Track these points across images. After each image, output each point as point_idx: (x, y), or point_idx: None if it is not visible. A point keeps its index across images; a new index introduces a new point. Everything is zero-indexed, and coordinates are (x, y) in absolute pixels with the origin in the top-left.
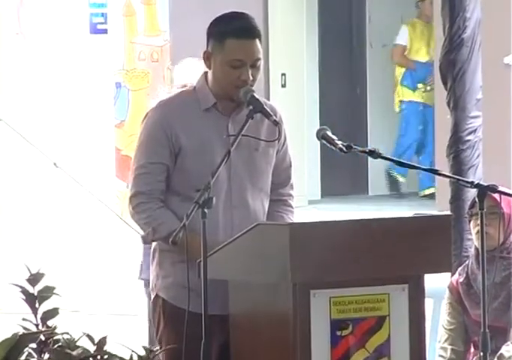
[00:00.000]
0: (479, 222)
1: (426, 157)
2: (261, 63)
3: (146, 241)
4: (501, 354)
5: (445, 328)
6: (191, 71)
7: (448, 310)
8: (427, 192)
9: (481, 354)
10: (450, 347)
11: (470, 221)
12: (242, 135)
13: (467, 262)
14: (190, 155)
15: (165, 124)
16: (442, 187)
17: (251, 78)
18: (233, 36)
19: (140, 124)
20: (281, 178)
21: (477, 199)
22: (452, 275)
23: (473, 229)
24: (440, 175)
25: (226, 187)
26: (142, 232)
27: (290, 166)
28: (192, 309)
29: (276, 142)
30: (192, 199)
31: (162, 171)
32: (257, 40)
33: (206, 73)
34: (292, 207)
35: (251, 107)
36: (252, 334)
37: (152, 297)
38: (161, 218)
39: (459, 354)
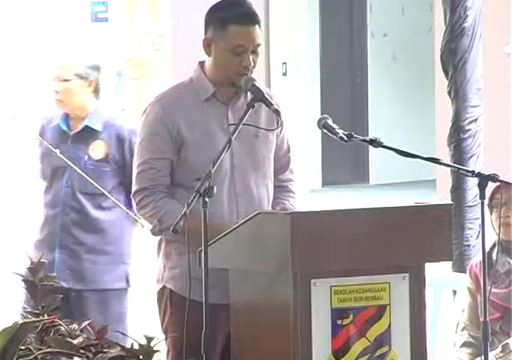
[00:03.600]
0: (501, 214)
1: None
2: (261, 49)
3: (155, 233)
4: (506, 344)
5: (462, 317)
6: None
7: (467, 296)
8: None
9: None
10: (466, 333)
11: (491, 213)
12: (244, 124)
13: (492, 245)
14: (192, 147)
15: (166, 118)
16: (443, 176)
17: (252, 64)
18: (235, 22)
19: (140, 119)
20: (281, 164)
21: (478, 188)
22: (453, 265)
23: (494, 221)
24: (441, 164)
25: (229, 175)
26: (141, 223)
27: (289, 151)
28: (197, 298)
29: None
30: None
31: (166, 166)
32: (257, 26)
33: (201, 63)
34: (293, 192)
35: (251, 96)
36: (253, 323)
37: (158, 288)
38: (165, 208)
39: (476, 339)
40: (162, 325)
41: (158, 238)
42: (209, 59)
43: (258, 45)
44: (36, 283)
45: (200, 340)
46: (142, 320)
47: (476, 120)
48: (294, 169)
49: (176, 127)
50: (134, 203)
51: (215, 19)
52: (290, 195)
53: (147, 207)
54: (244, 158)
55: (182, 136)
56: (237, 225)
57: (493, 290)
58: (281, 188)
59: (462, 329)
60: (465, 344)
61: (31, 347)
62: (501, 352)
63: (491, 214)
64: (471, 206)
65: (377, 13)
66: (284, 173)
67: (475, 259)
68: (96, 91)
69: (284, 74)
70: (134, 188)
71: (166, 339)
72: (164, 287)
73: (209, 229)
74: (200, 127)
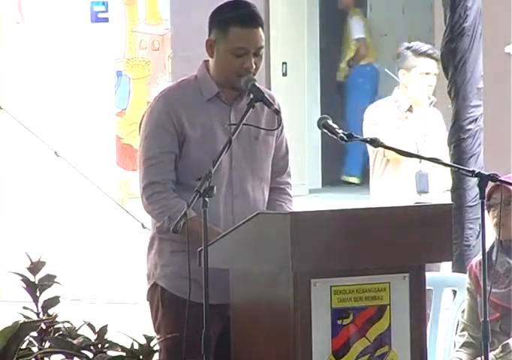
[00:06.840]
0: (496, 213)
1: None
2: (263, 51)
3: (162, 230)
4: (506, 344)
5: (462, 318)
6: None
7: (466, 297)
8: (351, 180)
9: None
10: (466, 333)
11: (488, 213)
12: (243, 124)
13: (491, 245)
14: (194, 144)
15: (171, 113)
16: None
17: (253, 66)
18: (237, 24)
19: (144, 115)
20: (279, 166)
21: (478, 188)
22: (452, 264)
23: (492, 220)
24: (441, 164)
25: (227, 176)
26: (141, 222)
27: (287, 153)
28: (192, 298)
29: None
30: (194, 188)
31: (172, 160)
32: (260, 29)
33: (206, 62)
34: (290, 195)
35: (251, 96)
36: (253, 323)
37: (149, 286)
38: (176, 207)
39: (476, 339)
40: (154, 323)
41: (152, 234)
42: (212, 61)
43: (260, 47)
44: (36, 283)
45: (192, 340)
46: (141, 320)
47: (476, 120)
48: (291, 172)
49: (180, 122)
50: (142, 197)
51: (218, 21)
52: (287, 198)
53: (157, 203)
54: (243, 161)
55: (186, 133)
56: (237, 225)
57: (493, 290)
58: (279, 190)
59: (462, 330)
60: (465, 344)
61: (31, 347)
62: (501, 352)
63: (488, 213)
64: (471, 206)
65: (378, 13)
66: (282, 176)
67: (475, 259)
68: None
69: (284, 74)
70: (143, 182)
71: (159, 338)
72: (155, 284)
73: (208, 233)
74: (201, 125)
